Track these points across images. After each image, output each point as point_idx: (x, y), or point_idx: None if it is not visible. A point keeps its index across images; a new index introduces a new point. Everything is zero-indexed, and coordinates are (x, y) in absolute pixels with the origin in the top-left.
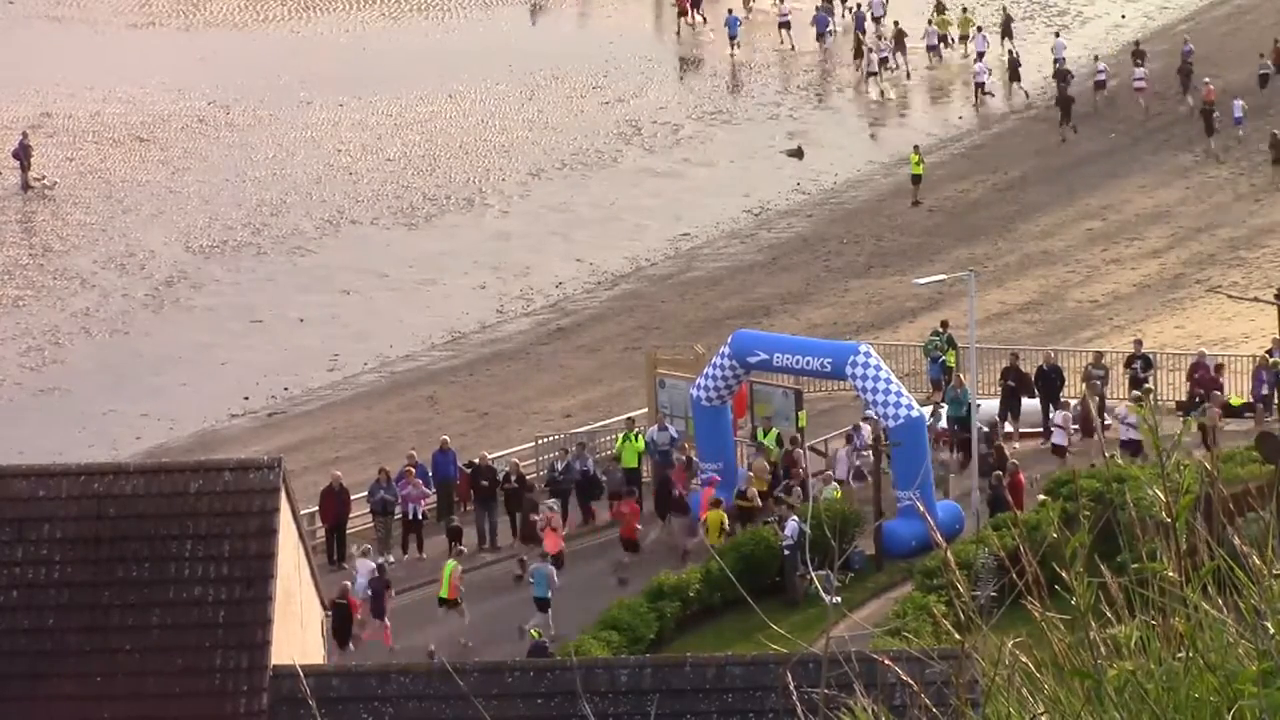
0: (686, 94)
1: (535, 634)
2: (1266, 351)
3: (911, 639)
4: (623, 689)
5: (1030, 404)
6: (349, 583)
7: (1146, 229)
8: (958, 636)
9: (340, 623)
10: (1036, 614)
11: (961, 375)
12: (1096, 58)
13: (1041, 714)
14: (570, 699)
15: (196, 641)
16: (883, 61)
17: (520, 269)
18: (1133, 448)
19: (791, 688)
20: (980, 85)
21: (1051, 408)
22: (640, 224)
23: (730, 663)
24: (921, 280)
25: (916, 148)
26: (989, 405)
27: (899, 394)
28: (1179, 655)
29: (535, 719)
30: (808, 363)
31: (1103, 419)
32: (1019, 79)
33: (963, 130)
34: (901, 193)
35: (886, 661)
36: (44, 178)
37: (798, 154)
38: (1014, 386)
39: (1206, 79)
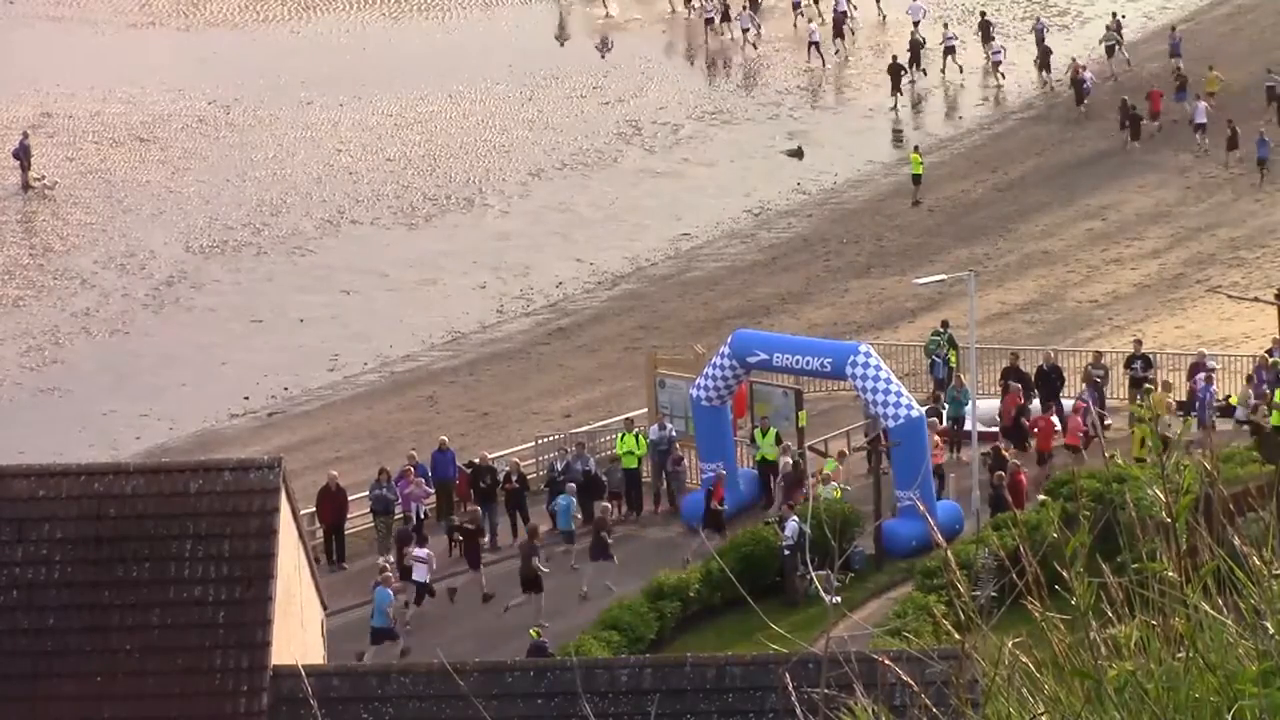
0: (686, 94)
1: (535, 634)
2: (1266, 351)
3: (911, 639)
4: (623, 689)
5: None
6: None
7: (1146, 229)
8: (958, 636)
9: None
10: (1036, 614)
11: (962, 375)
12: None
13: (1041, 714)
14: (570, 699)
15: (196, 641)
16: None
17: (520, 269)
18: None
19: (791, 688)
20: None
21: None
22: (640, 224)
23: (730, 663)
24: (921, 280)
25: (916, 148)
26: (988, 405)
27: (899, 394)
28: (1179, 655)
29: (535, 719)
30: (808, 363)
31: (1102, 419)
32: (1048, 68)
33: (963, 130)
34: (901, 193)
35: (886, 661)
36: (44, 178)
37: (798, 154)
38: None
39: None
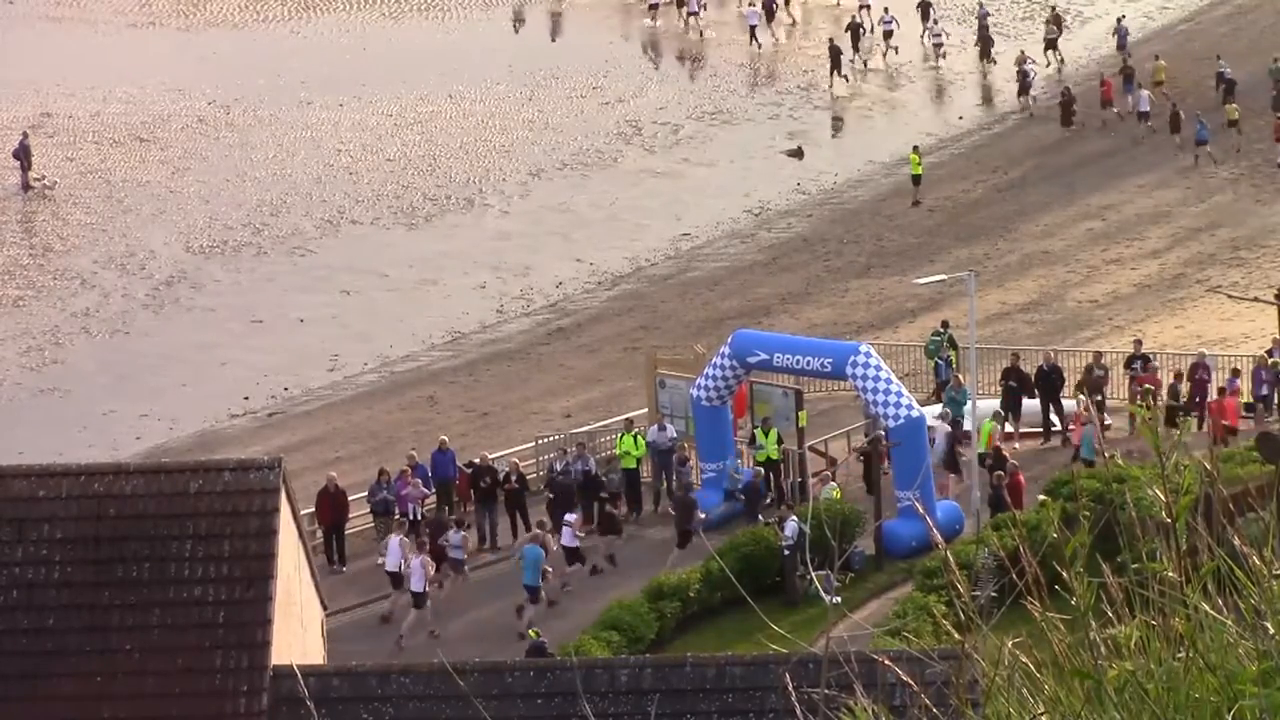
0: (686, 94)
1: (535, 634)
2: (1266, 351)
3: (911, 639)
4: (623, 689)
5: (1030, 404)
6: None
7: (1146, 229)
8: (958, 636)
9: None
10: (1036, 614)
11: (961, 375)
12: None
13: (1041, 714)
14: (570, 699)
15: (196, 641)
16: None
17: (520, 269)
18: None
19: (791, 688)
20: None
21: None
22: (640, 224)
23: (730, 663)
24: (921, 280)
25: (916, 148)
26: (987, 405)
27: (899, 394)
28: (1179, 655)
29: (535, 719)
30: (808, 363)
31: (1102, 419)
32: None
33: (963, 130)
34: (901, 193)
35: (886, 661)
36: (44, 178)
37: (798, 154)
38: (1015, 387)
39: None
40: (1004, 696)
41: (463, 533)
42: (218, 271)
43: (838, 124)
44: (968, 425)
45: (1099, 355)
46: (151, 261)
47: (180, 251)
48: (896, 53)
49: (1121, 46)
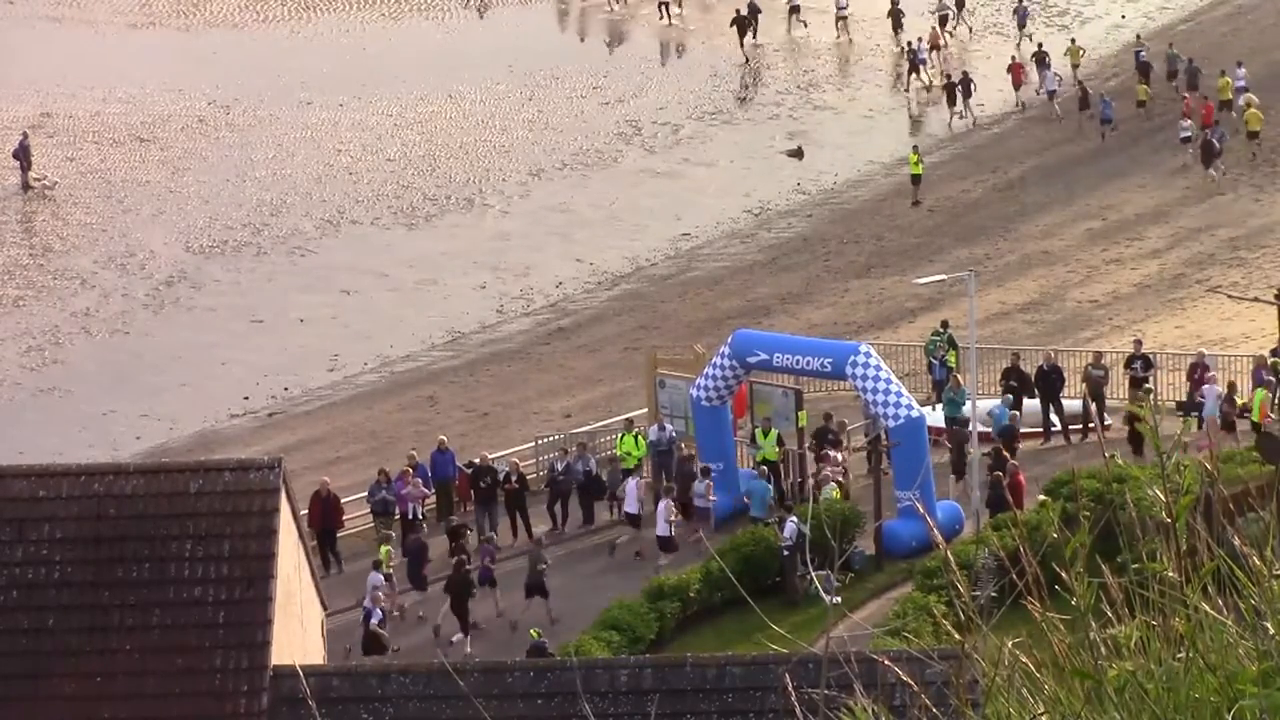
0: (686, 94)
1: (535, 634)
2: (1271, 350)
3: (911, 639)
4: (623, 689)
5: (1030, 404)
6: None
7: (1146, 229)
8: (958, 636)
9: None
10: (1036, 614)
11: (961, 375)
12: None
13: (1041, 714)
14: (570, 699)
15: (196, 641)
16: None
17: (520, 269)
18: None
19: (791, 688)
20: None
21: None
22: (640, 224)
23: (730, 663)
24: (921, 280)
25: (916, 148)
26: (986, 405)
27: (899, 394)
28: (1179, 655)
29: (535, 719)
30: (808, 363)
31: (1102, 419)
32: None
33: (963, 130)
34: (901, 193)
35: (886, 661)
36: (44, 178)
37: (798, 154)
38: (1015, 387)
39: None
40: (1004, 696)
41: (707, 481)
42: (218, 271)
43: (839, 124)
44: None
45: (1099, 355)
46: (151, 261)
47: (180, 251)
48: (806, 27)
49: (1021, 26)
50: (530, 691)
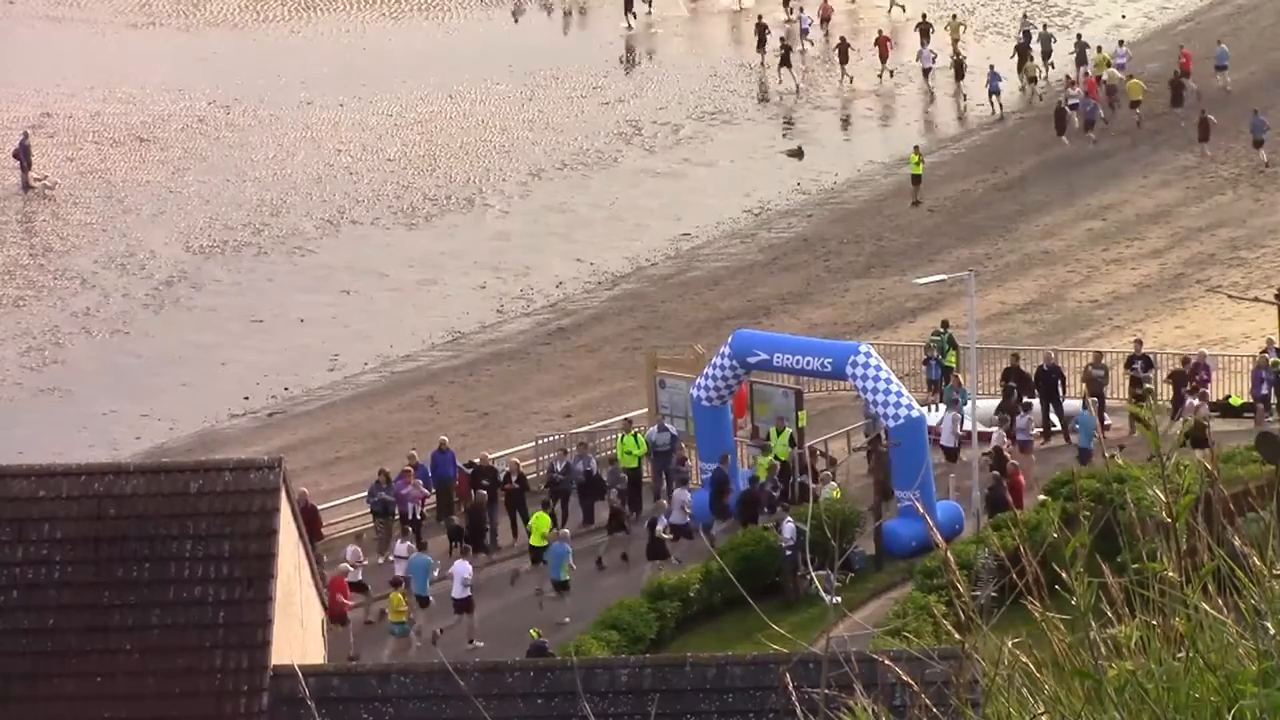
0: (686, 94)
1: (535, 634)
2: (1278, 352)
3: (911, 639)
4: (623, 689)
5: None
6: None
7: (1146, 229)
8: (958, 636)
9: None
10: (1036, 614)
11: (961, 375)
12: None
13: (1041, 714)
14: (570, 699)
15: (196, 641)
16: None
17: (520, 269)
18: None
19: (791, 688)
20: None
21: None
22: (640, 224)
23: (730, 663)
24: (921, 280)
25: (916, 148)
26: (986, 406)
27: (899, 394)
28: (1179, 655)
29: (535, 719)
30: (808, 363)
31: (1102, 419)
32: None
33: (963, 130)
34: (901, 193)
35: (886, 661)
36: (44, 178)
37: (798, 154)
38: (1015, 387)
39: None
40: (1004, 696)
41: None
42: (218, 271)
43: (838, 124)
44: (967, 425)
45: (1099, 355)
46: (151, 261)
47: (180, 251)
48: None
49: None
50: (530, 691)
